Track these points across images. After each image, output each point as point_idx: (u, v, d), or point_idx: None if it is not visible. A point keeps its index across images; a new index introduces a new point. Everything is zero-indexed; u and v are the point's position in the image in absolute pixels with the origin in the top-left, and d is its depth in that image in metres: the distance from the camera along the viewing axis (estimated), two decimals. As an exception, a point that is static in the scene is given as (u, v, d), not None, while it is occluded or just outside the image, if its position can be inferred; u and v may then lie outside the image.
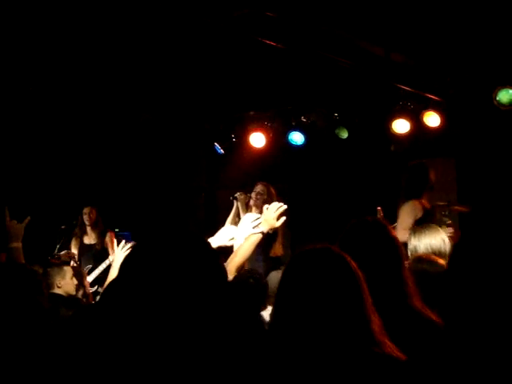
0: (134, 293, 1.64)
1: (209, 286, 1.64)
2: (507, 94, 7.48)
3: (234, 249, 4.51)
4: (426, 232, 4.26)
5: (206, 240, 1.82)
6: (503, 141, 8.53)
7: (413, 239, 4.25)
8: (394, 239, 2.83)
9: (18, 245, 4.24)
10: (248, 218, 4.53)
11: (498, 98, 7.49)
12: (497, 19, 6.37)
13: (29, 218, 4.39)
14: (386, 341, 2.15)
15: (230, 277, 3.94)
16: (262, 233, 4.33)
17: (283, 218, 4.49)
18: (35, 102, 8.07)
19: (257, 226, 4.41)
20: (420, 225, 4.76)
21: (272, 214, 4.42)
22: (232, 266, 4.10)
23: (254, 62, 7.58)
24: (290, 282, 2.23)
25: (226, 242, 4.48)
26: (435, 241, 4.17)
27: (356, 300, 2.16)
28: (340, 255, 2.26)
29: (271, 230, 4.47)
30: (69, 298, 5.47)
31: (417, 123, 8.51)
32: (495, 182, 8.20)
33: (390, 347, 2.14)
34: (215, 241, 4.54)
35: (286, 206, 4.51)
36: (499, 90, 7.49)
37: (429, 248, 4.12)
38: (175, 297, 1.61)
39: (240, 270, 4.28)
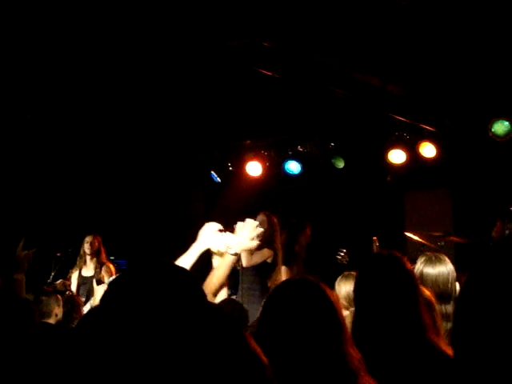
0: (108, 322, 1.64)
1: (187, 320, 1.64)
2: (502, 125, 7.53)
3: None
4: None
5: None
6: (498, 172, 8.56)
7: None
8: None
9: (22, 277, 4.21)
10: (241, 227, 4.21)
11: (493, 130, 7.53)
12: (493, 52, 6.42)
13: (35, 249, 4.35)
14: (363, 374, 2.14)
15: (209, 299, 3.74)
16: (236, 254, 4.03)
17: (256, 242, 4.25)
18: (33, 126, 8.08)
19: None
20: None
21: (247, 234, 4.14)
22: (209, 290, 3.81)
23: (251, 91, 7.63)
24: (268, 315, 2.25)
25: (221, 249, 4.16)
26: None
27: (333, 331, 2.16)
28: (317, 286, 2.26)
29: (245, 250, 4.16)
30: (57, 327, 5.42)
31: (413, 154, 8.53)
32: (491, 213, 8.21)
33: (368, 381, 2.14)
34: (211, 243, 4.19)
35: (261, 229, 4.27)
36: (494, 121, 7.53)
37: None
38: (152, 328, 1.61)
39: (217, 293, 4.06)
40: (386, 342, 2.53)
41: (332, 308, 2.21)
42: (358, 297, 2.74)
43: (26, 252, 4.28)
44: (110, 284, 1.73)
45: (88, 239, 8.09)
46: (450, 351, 2.63)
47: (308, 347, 2.11)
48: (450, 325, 3.43)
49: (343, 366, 2.11)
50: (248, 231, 4.15)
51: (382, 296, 2.57)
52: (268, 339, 2.13)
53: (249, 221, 4.23)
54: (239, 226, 4.20)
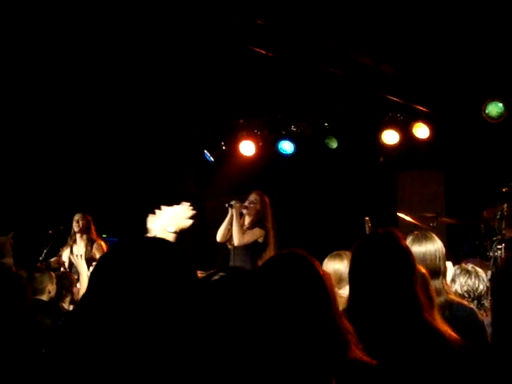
0: (98, 300, 1.64)
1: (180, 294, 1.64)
2: (496, 107, 7.52)
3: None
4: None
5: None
6: (491, 154, 8.57)
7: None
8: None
9: (11, 261, 4.22)
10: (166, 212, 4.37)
11: (486, 111, 7.52)
12: (487, 33, 6.40)
13: (13, 232, 4.36)
14: (353, 346, 2.16)
15: None
16: (175, 232, 4.16)
17: (191, 221, 4.39)
18: (23, 105, 8.04)
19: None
20: None
21: (182, 214, 4.28)
22: None
23: (245, 70, 7.60)
24: (258, 290, 2.25)
25: (158, 229, 4.29)
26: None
27: (322, 303, 2.18)
28: (306, 259, 2.27)
29: (179, 229, 4.26)
30: (49, 304, 5.43)
31: (406, 134, 8.53)
32: (483, 194, 8.23)
33: (358, 354, 2.15)
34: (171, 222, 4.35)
35: (193, 211, 4.41)
36: (488, 103, 7.53)
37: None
38: (144, 302, 1.61)
39: None
40: (381, 320, 2.53)
41: (321, 280, 2.22)
42: (353, 275, 2.74)
43: (4, 238, 4.29)
44: (99, 260, 1.73)
45: (76, 217, 8.05)
46: (446, 328, 2.65)
47: (298, 319, 2.12)
48: (438, 300, 3.46)
49: (334, 338, 2.12)
50: (183, 211, 4.30)
51: (378, 274, 2.56)
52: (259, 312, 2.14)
53: (184, 204, 4.43)
54: (163, 209, 4.33)
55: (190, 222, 4.33)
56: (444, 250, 4.16)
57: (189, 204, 4.40)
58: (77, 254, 7.23)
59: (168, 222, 4.18)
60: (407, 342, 2.36)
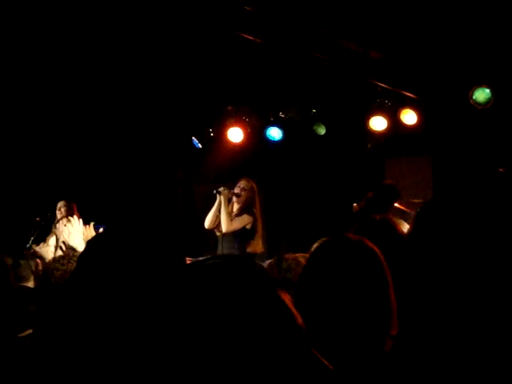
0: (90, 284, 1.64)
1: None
2: (483, 93, 7.54)
3: None
4: None
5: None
6: (479, 139, 8.59)
7: None
8: (403, 237, 2.76)
9: None
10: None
11: (474, 97, 7.54)
12: (474, 19, 6.41)
13: None
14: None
15: None
16: None
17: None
18: (12, 94, 7.99)
19: None
20: None
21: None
22: None
23: (233, 56, 7.57)
24: (317, 270, 2.17)
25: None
26: None
27: (383, 290, 2.12)
28: (371, 247, 2.20)
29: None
30: (34, 291, 5.41)
31: (394, 121, 8.54)
32: (470, 180, 8.26)
33: None
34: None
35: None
36: (476, 89, 7.54)
37: None
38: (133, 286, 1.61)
39: None
40: None
41: (380, 263, 2.16)
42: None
43: None
44: (87, 245, 1.73)
45: (59, 205, 8.04)
46: None
47: (357, 305, 2.07)
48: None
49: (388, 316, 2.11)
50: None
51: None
52: (313, 297, 2.09)
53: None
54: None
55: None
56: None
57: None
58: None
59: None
60: None
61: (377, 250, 2.18)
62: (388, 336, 2.05)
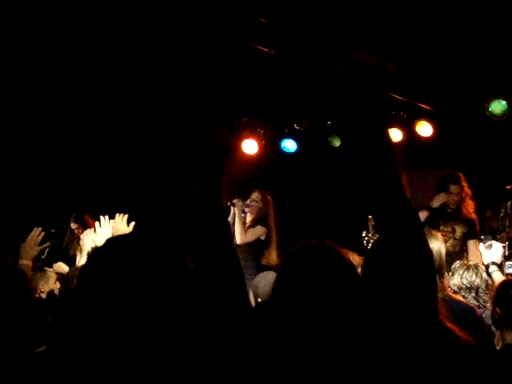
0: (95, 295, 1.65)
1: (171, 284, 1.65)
2: (500, 105, 7.49)
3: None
4: None
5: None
6: (495, 152, 8.54)
7: None
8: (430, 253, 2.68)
9: (28, 263, 4.23)
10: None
11: (490, 109, 7.50)
12: (491, 31, 6.38)
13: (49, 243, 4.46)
14: None
15: None
16: None
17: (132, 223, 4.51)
18: (23, 103, 8.02)
19: None
20: None
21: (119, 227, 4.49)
22: None
23: (248, 68, 7.58)
24: (288, 278, 2.21)
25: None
26: None
27: (353, 291, 2.15)
28: (335, 249, 2.26)
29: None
30: (46, 303, 5.43)
31: (409, 132, 8.52)
32: (487, 191, 8.21)
33: None
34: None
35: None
36: (492, 101, 7.50)
37: None
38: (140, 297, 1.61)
39: None
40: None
41: (354, 269, 2.20)
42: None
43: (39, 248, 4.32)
44: (88, 257, 1.75)
45: (73, 226, 8.05)
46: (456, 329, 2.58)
47: (333, 309, 2.09)
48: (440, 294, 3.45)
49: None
50: (118, 224, 4.64)
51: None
52: (288, 303, 2.10)
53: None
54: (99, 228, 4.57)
55: (132, 224, 4.49)
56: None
57: (122, 214, 4.46)
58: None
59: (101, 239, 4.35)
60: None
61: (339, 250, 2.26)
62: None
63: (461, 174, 7.54)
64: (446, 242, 7.28)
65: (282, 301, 2.14)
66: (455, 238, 7.33)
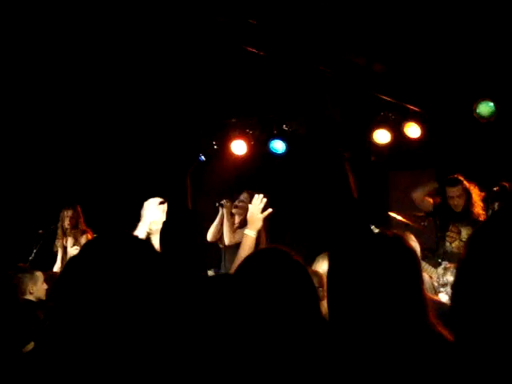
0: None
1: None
2: (487, 106, 7.53)
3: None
4: None
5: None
6: (482, 153, 8.58)
7: None
8: (413, 252, 2.64)
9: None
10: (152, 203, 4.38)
11: (478, 111, 7.53)
12: (478, 32, 6.41)
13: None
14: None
15: None
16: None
17: (269, 210, 4.24)
18: (15, 99, 8.00)
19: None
20: None
21: (255, 211, 4.16)
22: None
23: (237, 69, 7.58)
24: (242, 285, 2.24)
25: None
26: None
27: (312, 300, 2.17)
28: (287, 253, 2.28)
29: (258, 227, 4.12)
30: (39, 303, 5.41)
31: (397, 134, 8.53)
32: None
33: None
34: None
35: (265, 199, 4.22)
36: (479, 102, 7.53)
37: None
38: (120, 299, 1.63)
39: None
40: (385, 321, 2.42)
41: (307, 275, 2.23)
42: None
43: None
44: (69, 259, 1.76)
45: (67, 213, 7.98)
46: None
47: (285, 317, 2.11)
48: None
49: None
50: (256, 206, 4.22)
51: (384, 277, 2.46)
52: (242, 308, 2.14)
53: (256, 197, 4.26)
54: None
55: (266, 212, 4.21)
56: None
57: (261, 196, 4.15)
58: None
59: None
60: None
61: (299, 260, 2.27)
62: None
63: (461, 177, 7.51)
64: (452, 243, 7.34)
65: (235, 303, 2.19)
66: (461, 240, 7.31)
